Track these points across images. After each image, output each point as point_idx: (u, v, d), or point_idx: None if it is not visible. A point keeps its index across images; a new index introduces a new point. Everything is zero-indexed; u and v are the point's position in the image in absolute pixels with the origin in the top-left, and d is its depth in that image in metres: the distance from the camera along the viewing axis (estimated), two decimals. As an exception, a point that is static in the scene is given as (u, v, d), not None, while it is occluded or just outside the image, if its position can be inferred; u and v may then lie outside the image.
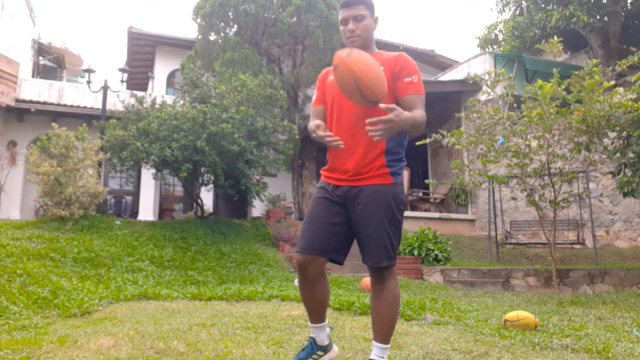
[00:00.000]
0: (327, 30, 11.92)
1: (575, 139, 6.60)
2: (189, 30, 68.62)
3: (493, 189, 8.88)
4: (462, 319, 3.74)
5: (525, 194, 7.28)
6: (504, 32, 15.81)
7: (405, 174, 11.64)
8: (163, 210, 13.55)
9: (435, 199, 12.52)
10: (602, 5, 12.57)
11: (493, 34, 16.63)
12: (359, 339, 2.96)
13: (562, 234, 9.26)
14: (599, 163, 7.09)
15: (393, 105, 1.84)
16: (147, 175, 11.19)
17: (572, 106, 6.45)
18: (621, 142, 6.22)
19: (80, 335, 3.02)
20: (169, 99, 11.86)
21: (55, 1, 51.29)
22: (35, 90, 12.41)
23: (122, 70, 11.15)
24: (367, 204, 2.09)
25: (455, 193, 11.86)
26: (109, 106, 11.23)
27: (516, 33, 14.52)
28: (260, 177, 9.50)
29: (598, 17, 12.41)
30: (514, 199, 8.87)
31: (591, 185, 9.01)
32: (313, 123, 2.09)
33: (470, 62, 12.47)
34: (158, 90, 14.70)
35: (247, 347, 2.65)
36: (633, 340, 3.05)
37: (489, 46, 16.68)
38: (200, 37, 12.04)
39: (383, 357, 2.10)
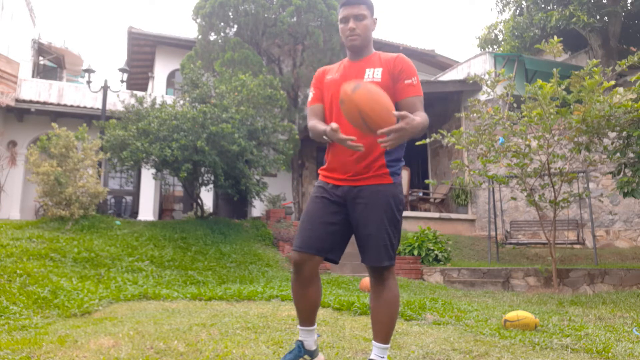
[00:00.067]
0: (327, 30, 11.91)
1: (575, 139, 6.60)
2: (189, 30, 68.65)
3: (493, 189, 8.88)
4: (462, 319, 3.75)
5: (525, 194, 7.28)
6: (504, 32, 15.81)
7: (405, 174, 11.64)
8: (163, 210, 13.55)
9: (435, 199, 12.52)
10: (602, 5, 12.57)
11: (493, 34, 16.63)
12: (359, 339, 2.96)
13: (562, 234, 9.26)
14: (599, 163, 7.09)
15: (404, 113, 1.80)
16: (147, 175, 11.19)
17: (572, 106, 6.45)
18: (621, 142, 6.22)
19: (80, 335, 3.02)
20: (169, 99, 11.86)
21: (55, 1, 51.32)
22: (35, 90, 12.41)
23: (122, 70, 11.15)
24: (367, 204, 2.09)
25: (455, 193, 11.86)
26: (109, 106, 11.23)
27: (516, 33, 14.52)
28: (260, 177, 9.50)
29: (598, 17, 12.41)
30: (514, 199, 8.88)
31: (591, 185, 9.01)
32: (329, 126, 1.94)
33: (470, 62, 12.47)
34: (158, 90, 14.70)
35: (247, 347, 2.65)
36: (633, 340, 3.05)
37: (489, 46, 16.68)
38: (200, 37, 12.04)
39: (383, 357, 2.10)
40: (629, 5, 13.06)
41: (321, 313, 3.96)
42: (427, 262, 8.09)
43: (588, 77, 5.97)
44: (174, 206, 13.81)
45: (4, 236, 6.34)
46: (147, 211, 12.63)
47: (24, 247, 5.97)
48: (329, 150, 2.23)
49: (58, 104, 12.31)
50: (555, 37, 6.63)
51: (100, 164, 9.33)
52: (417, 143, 7.71)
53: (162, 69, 15.13)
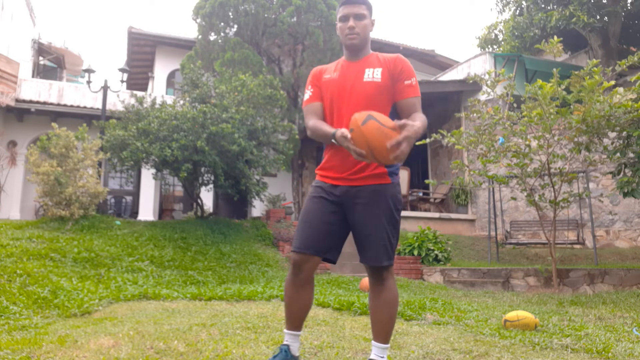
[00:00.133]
0: (327, 30, 11.91)
1: (575, 139, 6.60)
2: (189, 30, 68.65)
3: (493, 189, 8.88)
4: (462, 319, 3.75)
5: (525, 194, 7.28)
6: (504, 32, 15.81)
7: (405, 174, 11.64)
8: (163, 210, 13.55)
9: (435, 199, 12.52)
10: (602, 5, 12.57)
11: (493, 34, 16.63)
12: (359, 339, 2.96)
13: (562, 234, 9.26)
14: (599, 163, 7.09)
15: (404, 121, 1.82)
16: (147, 175, 11.19)
17: (572, 106, 6.45)
18: (621, 142, 6.22)
19: (80, 335, 3.02)
20: (169, 99, 11.87)
21: (55, 1, 51.32)
22: (35, 90, 12.41)
23: (122, 70, 11.15)
24: (366, 204, 2.10)
25: (455, 193, 11.86)
26: (109, 106, 11.23)
27: (516, 33, 14.52)
28: (260, 177, 9.50)
29: (598, 17, 12.41)
30: (514, 199, 8.88)
31: (591, 185, 9.01)
32: (340, 131, 1.93)
33: (470, 62, 12.47)
34: (158, 90, 14.70)
35: (247, 347, 2.65)
36: (633, 340, 3.05)
37: (489, 46, 16.68)
38: (200, 37, 12.05)
39: (383, 357, 2.10)
40: (629, 5, 13.06)
41: (321, 313, 3.97)
42: (427, 262, 8.09)
43: (588, 77, 5.97)
44: (174, 206, 13.81)
45: (4, 236, 6.34)
46: (147, 211, 12.63)
47: (24, 247, 5.97)
48: (328, 149, 2.23)
49: (58, 104, 12.31)
50: (555, 37, 6.63)
51: (100, 164, 9.33)
52: (417, 143, 7.69)
53: (162, 69, 15.13)
